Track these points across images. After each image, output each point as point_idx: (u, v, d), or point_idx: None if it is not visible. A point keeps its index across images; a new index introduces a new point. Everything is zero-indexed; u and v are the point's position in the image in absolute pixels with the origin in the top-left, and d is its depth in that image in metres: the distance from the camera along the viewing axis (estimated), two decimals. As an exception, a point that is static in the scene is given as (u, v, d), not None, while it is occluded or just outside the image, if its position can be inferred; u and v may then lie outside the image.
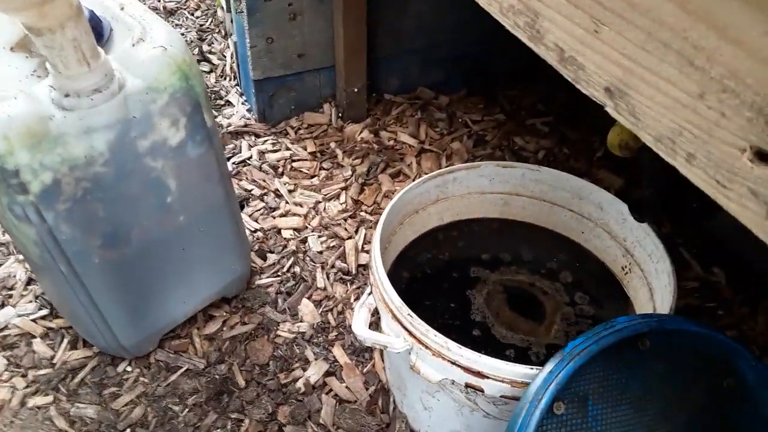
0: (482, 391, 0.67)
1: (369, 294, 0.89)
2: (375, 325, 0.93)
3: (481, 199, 0.95)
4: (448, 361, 0.67)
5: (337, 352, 0.92)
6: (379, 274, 0.75)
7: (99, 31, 0.71)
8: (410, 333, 0.70)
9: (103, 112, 0.64)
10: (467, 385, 0.67)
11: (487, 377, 0.65)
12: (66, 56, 0.60)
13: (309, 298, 1.00)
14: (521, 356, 0.80)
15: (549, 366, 0.61)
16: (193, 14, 1.68)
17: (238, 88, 1.42)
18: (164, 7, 1.69)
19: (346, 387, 0.88)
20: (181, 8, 1.70)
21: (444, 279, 0.89)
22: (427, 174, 0.90)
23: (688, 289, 1.00)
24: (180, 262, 0.83)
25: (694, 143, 0.33)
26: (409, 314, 0.70)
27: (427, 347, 0.68)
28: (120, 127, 0.66)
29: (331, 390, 0.88)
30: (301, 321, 0.96)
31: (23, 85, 0.66)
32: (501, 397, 0.66)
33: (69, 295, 0.77)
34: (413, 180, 1.19)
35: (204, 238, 0.84)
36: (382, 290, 0.74)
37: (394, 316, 0.72)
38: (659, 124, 0.36)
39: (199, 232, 0.83)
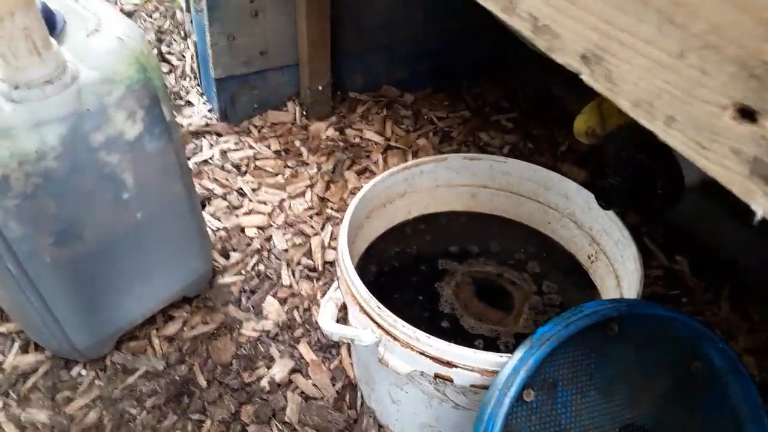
0: (451, 381, 0.66)
1: (336, 289, 0.88)
2: (342, 320, 0.92)
3: (448, 192, 0.95)
4: (417, 351, 0.66)
5: (303, 349, 0.91)
6: (345, 265, 0.74)
7: (51, 24, 0.68)
8: (378, 325, 0.69)
9: (55, 105, 0.62)
10: (436, 376, 0.67)
11: (456, 366, 0.65)
12: (16, 46, 0.58)
13: (274, 296, 0.98)
14: (490, 346, 0.80)
15: (518, 353, 0.61)
16: (150, 16, 1.64)
17: (198, 88, 1.40)
18: (121, 9, 1.65)
19: (313, 384, 0.87)
20: (139, 10, 1.66)
21: (412, 272, 0.89)
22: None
23: (653, 278, 1.02)
24: (137, 261, 0.80)
25: (673, 105, 0.33)
26: (377, 306, 0.69)
27: (395, 339, 0.67)
28: (73, 120, 0.64)
29: (296, 387, 0.86)
30: (265, 319, 0.94)
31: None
32: (471, 387, 0.66)
33: (19, 297, 0.73)
34: (379, 177, 1.18)
35: (163, 236, 0.81)
36: (349, 282, 0.73)
37: (362, 309, 0.71)
38: (637, 88, 0.35)
39: (157, 229, 0.80)
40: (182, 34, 1.54)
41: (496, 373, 0.64)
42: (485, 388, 0.66)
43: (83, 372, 0.86)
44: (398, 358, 0.69)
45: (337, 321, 0.78)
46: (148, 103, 0.69)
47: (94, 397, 0.83)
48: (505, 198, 0.95)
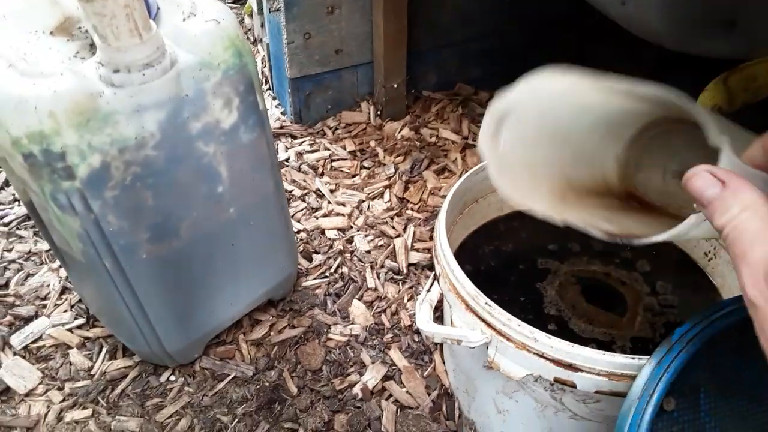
0: (574, 386, 0.60)
1: (428, 291, 0.83)
2: (438, 322, 0.86)
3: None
4: (535, 353, 0.60)
5: (395, 355, 0.85)
6: (448, 261, 0.68)
7: (148, 8, 0.67)
8: (488, 324, 0.63)
9: (155, 90, 0.59)
10: (556, 381, 0.60)
11: (580, 370, 0.58)
12: (117, 25, 0.55)
13: (360, 299, 0.93)
14: (605, 350, 0.72)
15: (656, 356, 0.54)
16: (219, 23, 1.66)
17: (270, 92, 1.38)
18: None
19: (407, 392, 0.81)
20: (208, 17, 1.68)
21: (510, 272, 0.83)
22: (473, 168, 0.84)
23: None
24: (229, 260, 0.77)
25: None
26: (486, 303, 0.63)
27: (508, 339, 0.61)
28: (172, 106, 0.61)
29: (390, 395, 0.81)
30: (353, 323, 0.90)
31: (67, 66, 0.61)
32: (595, 392, 0.59)
33: (112, 296, 0.71)
34: (459, 176, 1.13)
35: (253, 233, 0.78)
36: (453, 279, 0.67)
37: (469, 307, 0.65)
38: None
39: (248, 226, 0.77)
40: (252, 39, 1.54)
41: (626, 377, 0.57)
42: (612, 394, 0.59)
43: (172, 378, 0.83)
44: (511, 361, 0.63)
45: (435, 320, 0.73)
46: (243, 91, 0.67)
47: (184, 404, 0.80)
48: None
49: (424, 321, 0.72)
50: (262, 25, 1.32)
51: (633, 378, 0.58)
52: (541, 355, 0.60)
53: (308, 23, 1.13)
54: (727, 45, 0.78)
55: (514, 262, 0.84)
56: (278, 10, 1.12)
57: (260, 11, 1.29)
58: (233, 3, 1.73)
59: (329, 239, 1.03)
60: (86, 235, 0.63)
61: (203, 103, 0.63)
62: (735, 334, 0.56)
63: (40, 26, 0.68)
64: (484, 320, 0.64)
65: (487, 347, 0.64)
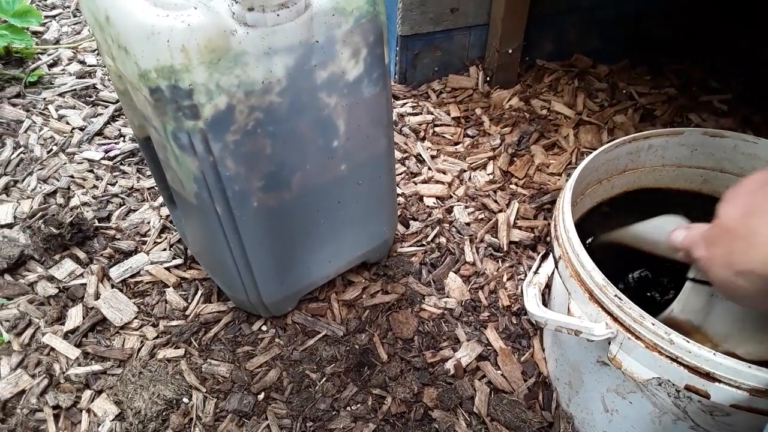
0: (707, 396, 0.53)
1: (535, 272, 0.78)
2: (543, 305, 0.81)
3: (675, 174, 0.81)
4: (668, 356, 0.54)
5: (491, 335, 0.81)
6: (574, 245, 0.63)
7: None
8: (616, 319, 0.58)
9: (287, 32, 0.56)
10: (687, 388, 0.54)
11: (719, 381, 0.52)
12: (255, -40, 0.52)
13: (456, 272, 0.89)
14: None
15: None
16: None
17: (372, 48, 1.34)
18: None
19: (502, 375, 0.77)
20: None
21: (634, 262, 0.76)
22: (590, 148, 0.77)
23: None
24: (333, 217, 0.75)
25: None
26: (616, 295, 0.57)
27: (638, 338, 0.56)
28: (302, 51, 0.58)
29: (484, 376, 0.78)
30: (448, 296, 0.86)
31: (202, 0, 0.59)
32: (731, 406, 0.53)
33: (218, 241, 0.70)
34: (570, 154, 1.06)
35: (360, 193, 0.75)
36: (578, 265, 0.62)
37: (593, 297, 0.60)
38: None
39: (357, 185, 0.74)
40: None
41: (771, 395, 0.51)
42: (750, 410, 0.53)
43: (264, 328, 0.83)
44: (637, 361, 0.57)
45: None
46: (372, 41, 0.63)
47: (274, 355, 0.80)
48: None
49: (534, 304, 0.67)
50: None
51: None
52: (674, 359, 0.54)
53: (426, -23, 1.07)
54: None
55: (640, 253, 0.77)
56: (396, -39, 1.06)
57: (373, -37, 1.23)
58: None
59: (427, 207, 0.99)
60: (202, 177, 0.62)
61: (332, 51, 0.60)
62: None
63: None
64: (611, 314, 0.58)
65: (610, 343, 0.59)
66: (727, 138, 0.77)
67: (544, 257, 0.77)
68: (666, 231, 0.56)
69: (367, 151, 0.72)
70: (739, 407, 0.53)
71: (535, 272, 0.79)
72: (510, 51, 1.14)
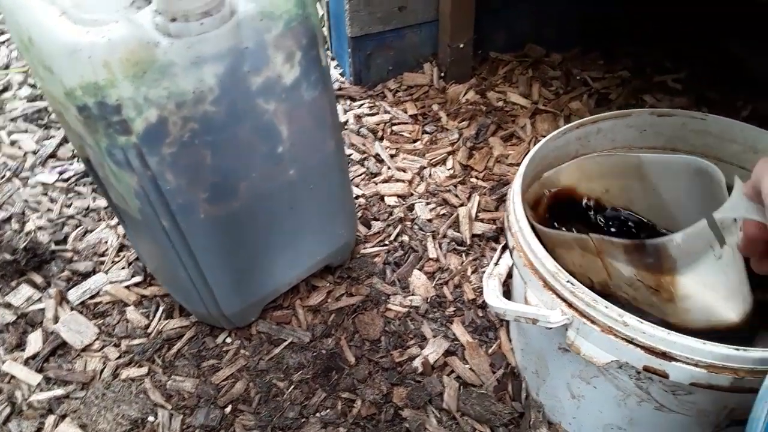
0: (665, 376, 0.53)
1: (496, 264, 0.78)
2: (505, 297, 0.81)
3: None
4: (623, 338, 0.54)
5: (457, 329, 0.81)
6: (524, 234, 0.62)
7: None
8: (570, 305, 0.57)
9: (214, 40, 0.55)
10: (645, 369, 0.54)
11: (676, 359, 0.52)
12: (174, -31, 0.51)
13: (420, 269, 0.89)
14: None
15: None
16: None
17: (329, 52, 1.33)
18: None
19: (470, 369, 0.77)
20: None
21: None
22: (544, 136, 0.77)
23: None
24: (288, 223, 0.74)
25: None
26: (569, 281, 0.57)
27: (593, 322, 0.56)
28: (232, 58, 0.57)
29: (452, 371, 0.77)
30: (413, 294, 0.86)
31: (123, 14, 0.58)
32: (690, 384, 0.53)
33: (170, 256, 0.69)
34: (528, 143, 1.06)
35: (313, 196, 0.75)
36: (529, 253, 0.62)
37: (547, 285, 0.60)
38: None
39: (308, 189, 0.73)
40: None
41: (728, 370, 0.51)
42: (710, 387, 0.53)
43: (228, 340, 0.82)
44: (594, 345, 0.57)
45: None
46: (306, 44, 0.62)
47: (240, 367, 0.79)
48: (700, 163, 0.80)
49: (494, 296, 0.67)
50: (323, -19, 1.26)
51: (735, 371, 0.51)
52: (630, 341, 0.54)
53: (372, -23, 1.06)
54: None
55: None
56: (341, -38, 1.06)
57: (321, -34, 1.23)
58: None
59: (389, 206, 0.98)
60: (143, 192, 0.61)
61: (264, 56, 0.59)
62: None
63: (98, -27, 0.65)
64: (565, 300, 0.58)
65: (567, 329, 0.59)
66: (675, 116, 0.77)
67: (504, 248, 0.77)
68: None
69: (315, 154, 0.71)
70: (698, 385, 0.53)
71: (496, 264, 0.79)
72: (461, 46, 1.14)
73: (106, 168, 0.61)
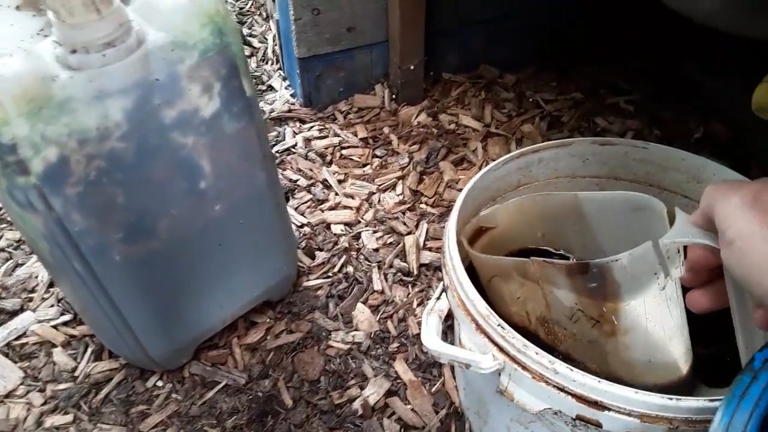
0: (599, 426, 0.51)
1: (438, 298, 0.75)
2: (445, 334, 0.78)
3: (570, 185, 0.79)
4: (554, 386, 0.51)
5: (400, 367, 0.78)
6: (457, 274, 0.60)
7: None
8: (501, 349, 0.55)
9: (119, 72, 0.52)
10: (578, 418, 0.52)
11: (608, 409, 0.50)
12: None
13: (365, 302, 0.86)
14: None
15: (737, 390, 0.44)
16: (233, -2, 1.58)
17: (281, 72, 1.30)
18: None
19: (412, 409, 0.74)
20: (221, -8, 1.60)
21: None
22: (495, 160, 0.74)
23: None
24: (217, 260, 0.70)
25: None
26: (499, 325, 0.55)
27: (525, 368, 0.53)
28: (140, 91, 0.54)
29: (393, 413, 0.74)
30: (356, 329, 0.82)
31: (26, 44, 0.54)
32: (624, 434, 0.51)
33: (87, 299, 0.65)
34: (479, 168, 1.04)
35: (244, 232, 0.71)
36: (462, 294, 0.59)
37: (480, 327, 0.57)
38: None
39: (238, 224, 0.70)
40: (264, 15, 1.46)
41: (663, 420, 0.49)
42: (646, 437, 0.50)
43: (159, 383, 0.77)
44: (527, 392, 0.54)
45: (442, 335, 0.65)
46: (225, 74, 0.59)
47: (170, 412, 0.74)
48: (643, 192, 0.78)
49: (431, 337, 0.64)
50: (274, 0, 1.24)
51: (670, 420, 0.49)
52: (561, 389, 0.51)
53: (317, -2, 1.04)
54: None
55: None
56: (286, -17, 1.03)
57: (271, -15, 1.20)
58: (247, -23, 1.65)
59: (335, 235, 0.95)
60: (50, 234, 0.57)
61: (177, 88, 0.55)
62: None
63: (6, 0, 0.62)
64: (496, 344, 0.55)
65: (500, 374, 0.56)
66: (617, 145, 0.75)
67: (444, 287, 0.74)
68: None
69: (243, 188, 0.68)
70: (633, 434, 0.50)
71: (438, 298, 0.76)
72: (412, 67, 1.12)
73: (11, 210, 0.57)
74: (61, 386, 0.78)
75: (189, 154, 0.60)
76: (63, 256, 0.59)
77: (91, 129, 0.52)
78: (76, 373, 0.79)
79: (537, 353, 0.52)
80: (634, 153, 0.75)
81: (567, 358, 0.59)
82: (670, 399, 0.48)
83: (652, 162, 0.75)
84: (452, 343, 0.78)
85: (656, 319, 0.55)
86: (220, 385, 0.77)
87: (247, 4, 1.52)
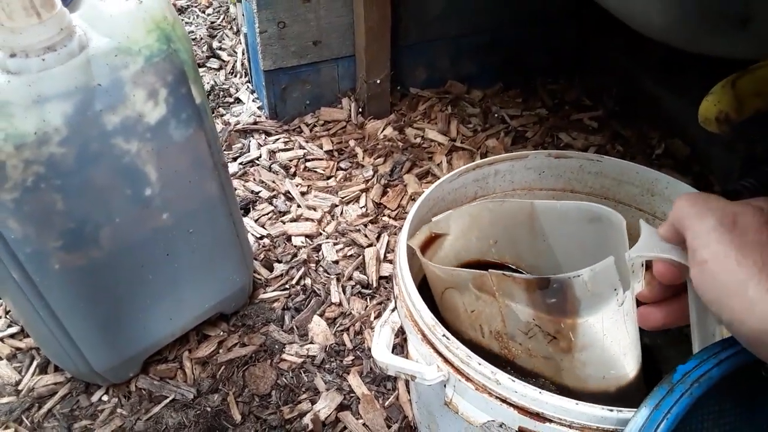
0: (542, 438, 0.50)
1: (393, 310, 0.74)
2: (400, 347, 0.78)
3: (527, 198, 0.79)
4: (497, 398, 0.51)
5: (353, 381, 0.76)
6: (405, 284, 0.59)
7: (64, -15, 0.59)
8: (446, 360, 0.54)
9: (59, 77, 0.51)
10: (521, 430, 0.51)
11: (550, 421, 0.49)
12: (8, 2, 0.47)
13: (321, 315, 0.84)
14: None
15: (651, 401, 0.45)
16: (204, 12, 1.58)
17: (249, 85, 1.30)
18: (174, 5, 1.59)
19: (364, 424, 0.72)
20: (192, 6, 1.60)
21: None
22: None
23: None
24: (164, 271, 0.69)
25: None
26: (444, 335, 0.54)
27: (468, 379, 0.52)
28: (81, 96, 0.53)
29: (345, 428, 0.72)
30: (311, 342, 0.81)
31: (-36, 47, 0.53)
32: (567, 447, 0.50)
33: (28, 310, 0.63)
34: (443, 181, 1.04)
35: (195, 243, 0.70)
36: (410, 304, 0.58)
37: (425, 338, 0.56)
38: None
39: (188, 234, 0.68)
40: (234, 29, 1.46)
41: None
42: (587, 448, 0.50)
43: (105, 398, 0.75)
44: (470, 404, 0.54)
45: (394, 348, 0.64)
46: (172, 81, 0.58)
47: (114, 428, 0.72)
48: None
49: (380, 349, 0.63)
50: (243, 14, 1.24)
51: (612, 432, 0.49)
52: (504, 401, 0.51)
53: (282, 11, 1.04)
54: (738, 44, 0.69)
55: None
56: (252, -4, 1.03)
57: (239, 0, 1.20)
58: (220, -10, 1.65)
59: (295, 247, 0.94)
60: (-15, 242, 0.55)
61: (120, 94, 0.55)
62: (742, 378, 0.46)
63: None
64: (441, 355, 0.54)
65: (445, 386, 0.55)
66: (572, 158, 0.76)
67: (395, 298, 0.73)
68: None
69: (193, 197, 0.67)
70: (575, 445, 0.50)
71: (393, 310, 0.75)
72: (378, 81, 1.12)
73: (-56, 214, 0.55)
74: (4, 400, 0.75)
75: (133, 161, 0.59)
76: (0, 264, 0.57)
77: (28, 134, 0.51)
78: (20, 387, 0.77)
79: (480, 363, 0.51)
80: (588, 166, 0.76)
81: (521, 373, 0.58)
82: (611, 410, 0.48)
83: (606, 175, 0.76)
84: (406, 355, 0.77)
85: (613, 335, 0.54)
86: (168, 400, 0.75)
87: (218, 19, 1.53)
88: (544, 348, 0.56)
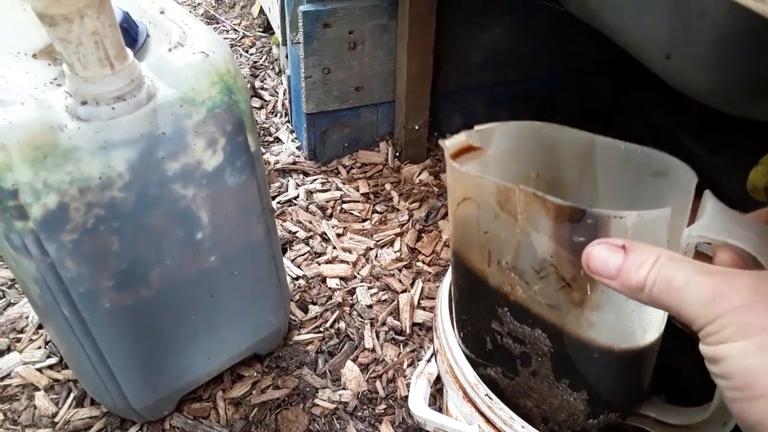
0: (586, 508, 0.49)
1: (428, 361, 0.74)
2: (434, 398, 0.77)
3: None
4: (541, 463, 0.50)
5: (386, 430, 0.76)
6: (447, 338, 0.59)
7: (133, 36, 0.62)
8: (488, 420, 0.54)
9: (126, 125, 0.53)
10: (564, 499, 0.50)
11: (594, 491, 0.48)
12: (85, 53, 0.49)
13: (354, 360, 0.84)
14: None
15: None
16: (247, 51, 1.63)
17: (289, 125, 1.33)
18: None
19: (396, 477, 0.72)
20: (236, 45, 1.65)
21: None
22: None
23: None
24: (206, 312, 0.70)
25: None
26: (487, 395, 0.54)
27: (511, 443, 0.52)
28: (145, 144, 0.55)
29: (377, 480, 0.72)
30: (343, 388, 0.81)
31: (38, 93, 0.56)
32: None
33: (73, 346, 0.64)
34: (478, 229, 1.04)
35: (237, 284, 0.71)
36: (451, 359, 0.58)
37: (467, 395, 0.56)
38: None
39: (232, 276, 0.70)
40: (277, 69, 1.50)
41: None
42: None
43: (138, 434, 0.76)
44: (514, 466, 0.53)
45: (430, 399, 0.64)
46: (231, 130, 0.60)
47: (145, 465, 0.72)
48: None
49: (418, 402, 0.63)
50: (287, 57, 1.28)
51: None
52: (547, 467, 0.50)
53: (328, 58, 1.07)
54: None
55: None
56: (299, 42, 1.06)
57: (284, 42, 1.24)
58: (263, 32, 1.71)
59: (330, 289, 0.95)
60: (42, 279, 0.57)
61: (183, 142, 0.57)
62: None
63: (24, 47, 0.64)
64: (483, 415, 0.54)
65: (485, 447, 0.55)
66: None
67: (434, 351, 0.73)
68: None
69: (240, 240, 0.68)
70: None
71: (428, 360, 0.75)
72: (416, 127, 1.14)
73: (6, 252, 0.57)
74: (40, 431, 0.76)
75: (188, 206, 0.61)
76: (53, 300, 0.59)
77: (93, 178, 0.53)
78: (56, 419, 0.78)
79: (523, 427, 0.51)
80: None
81: (518, 317, 0.51)
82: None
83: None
84: (440, 407, 0.77)
85: (638, 305, 0.41)
86: (201, 440, 0.75)
87: (261, 59, 1.57)
88: (553, 294, 0.46)
